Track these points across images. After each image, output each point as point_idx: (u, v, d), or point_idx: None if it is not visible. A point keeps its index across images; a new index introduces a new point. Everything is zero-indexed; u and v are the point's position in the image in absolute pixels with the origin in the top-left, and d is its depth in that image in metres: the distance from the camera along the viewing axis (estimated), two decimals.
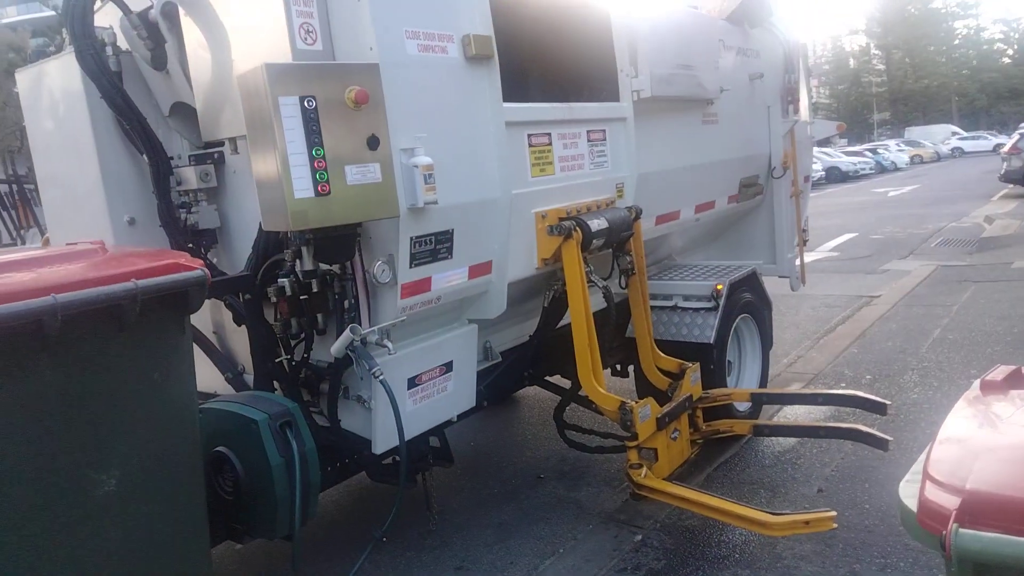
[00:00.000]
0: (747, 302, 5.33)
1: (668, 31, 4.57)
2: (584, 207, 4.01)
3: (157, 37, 3.31)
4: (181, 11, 3.27)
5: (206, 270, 2.30)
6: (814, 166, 31.82)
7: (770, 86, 6.08)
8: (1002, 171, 20.70)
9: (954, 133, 50.82)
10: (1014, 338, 6.79)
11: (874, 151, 40.47)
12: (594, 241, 3.85)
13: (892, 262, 12.01)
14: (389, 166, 2.81)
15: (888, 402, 4.31)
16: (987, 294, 8.72)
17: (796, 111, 6.28)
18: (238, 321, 3.30)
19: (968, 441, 1.68)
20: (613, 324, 4.16)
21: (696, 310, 4.98)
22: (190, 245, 3.38)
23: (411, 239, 3.04)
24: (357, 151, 2.70)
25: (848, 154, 38.62)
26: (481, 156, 3.39)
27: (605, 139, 4.28)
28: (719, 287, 4.95)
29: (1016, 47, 66.77)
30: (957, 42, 67.60)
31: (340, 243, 2.84)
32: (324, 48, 2.96)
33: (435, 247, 3.18)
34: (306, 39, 2.90)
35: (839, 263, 12.35)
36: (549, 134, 3.88)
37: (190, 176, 3.34)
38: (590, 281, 3.91)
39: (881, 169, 37.76)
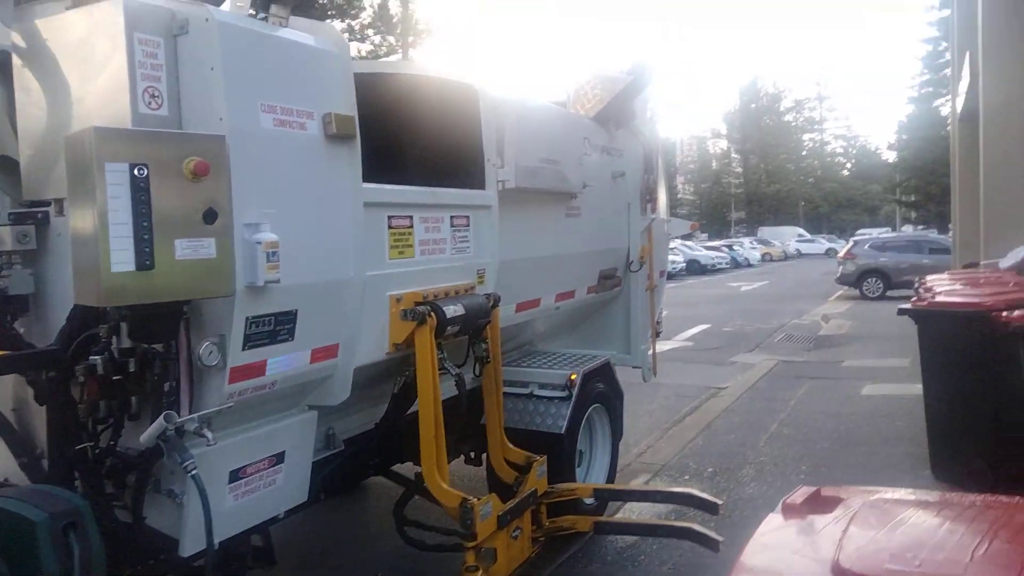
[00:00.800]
0: (600, 392, 5.41)
1: (536, 125, 4.70)
2: (442, 292, 3.95)
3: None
4: (16, 60, 3.01)
5: None
6: (676, 258, 34.20)
7: (631, 184, 6.37)
8: (838, 274, 22.82)
9: (799, 235, 55.74)
10: (840, 435, 7.28)
11: (730, 247, 43.54)
12: (449, 328, 3.78)
13: (740, 355, 12.75)
14: (227, 241, 2.64)
15: (720, 502, 4.44)
16: (820, 391, 9.38)
17: (654, 209, 6.60)
18: (40, 400, 2.94)
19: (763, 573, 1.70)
20: (464, 413, 4.07)
21: (550, 399, 4.99)
22: None
23: (247, 319, 2.85)
24: (191, 224, 2.51)
25: (708, 248, 41.32)
26: (335, 235, 3.28)
27: (468, 225, 4.28)
28: (572, 376, 5.00)
29: (854, 161, 74.86)
30: (804, 153, 74.93)
31: (162, 321, 2.61)
32: (170, 114, 2.78)
33: (274, 328, 2.99)
34: (150, 103, 2.72)
35: (692, 353, 12.98)
36: (411, 217, 3.82)
37: (5, 236, 3.00)
38: (443, 368, 3.83)
39: (736, 264, 40.61)
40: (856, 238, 23.68)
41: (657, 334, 7.02)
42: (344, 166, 3.30)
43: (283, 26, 3.08)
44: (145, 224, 2.38)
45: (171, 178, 2.47)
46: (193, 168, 2.49)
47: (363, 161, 3.40)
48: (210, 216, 2.55)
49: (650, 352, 6.78)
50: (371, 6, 26.07)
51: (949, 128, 33.99)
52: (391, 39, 26.39)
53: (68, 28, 2.87)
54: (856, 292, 21.83)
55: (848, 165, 75.20)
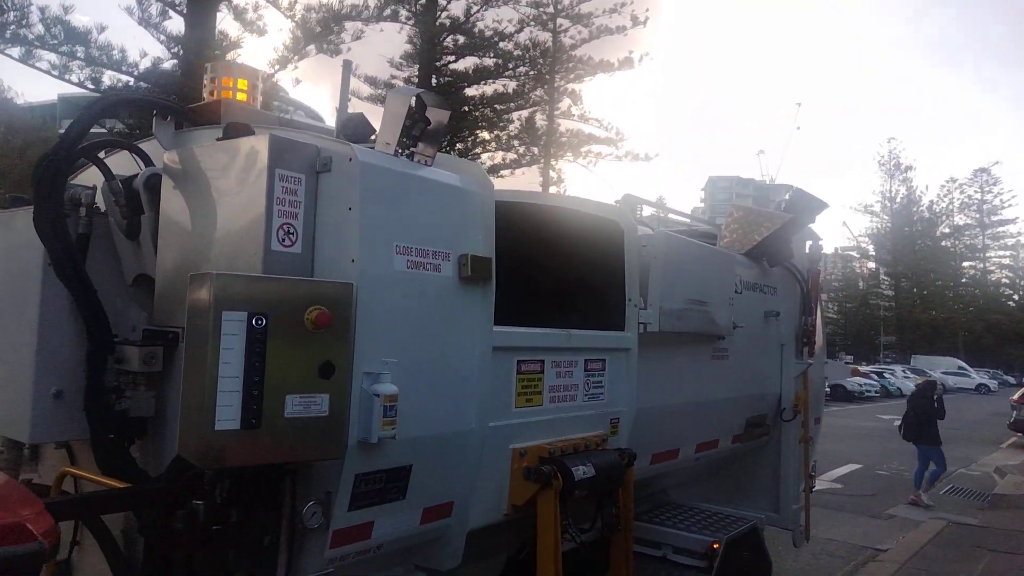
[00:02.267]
0: (745, 562, 4.67)
1: (683, 265, 4.29)
2: (571, 445, 3.51)
3: (136, 207, 3.02)
4: (167, 183, 3.01)
5: (44, 541, 1.78)
6: None
7: (785, 325, 5.75)
8: (1011, 419, 20.13)
9: (959, 367, 50.59)
10: None
11: (880, 374, 40.04)
12: (576, 491, 3.32)
13: (899, 507, 11.19)
14: (342, 398, 2.38)
15: None
16: (1004, 567, 7.88)
17: (811, 353, 5.91)
18: (141, 531, 2.75)
19: None
20: None
21: (685, 567, 4.34)
22: (110, 436, 2.89)
23: (356, 476, 2.54)
24: (305, 379, 2.27)
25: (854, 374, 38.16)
26: (459, 383, 2.96)
27: (604, 369, 3.86)
28: (715, 545, 4.33)
29: (1022, 293, 68.07)
30: (964, 280, 69.18)
31: (264, 484, 2.35)
32: (303, 252, 2.63)
33: (385, 486, 2.67)
34: (284, 240, 2.57)
35: (842, 499, 11.52)
36: (542, 361, 3.47)
37: (132, 356, 2.92)
38: (565, 534, 3.35)
39: (887, 393, 37.14)
40: None
41: (811, 489, 6.14)
42: (476, 309, 3.02)
43: (428, 165, 2.91)
44: (256, 379, 2.16)
45: (290, 327, 2.26)
46: (315, 319, 2.26)
47: (495, 299, 3.12)
48: (327, 370, 2.31)
49: (803, 512, 5.92)
50: (519, 119, 25.81)
51: None
52: (535, 149, 26.03)
53: (216, 158, 2.83)
54: None
55: (1015, 296, 68.45)
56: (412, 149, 2.86)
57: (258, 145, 2.63)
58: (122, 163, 3.31)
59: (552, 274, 4.18)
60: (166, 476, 2.70)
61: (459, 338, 2.95)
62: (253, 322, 2.16)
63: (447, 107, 2.95)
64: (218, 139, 2.90)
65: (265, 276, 2.39)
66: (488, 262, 3.02)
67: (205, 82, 3.44)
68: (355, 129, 2.96)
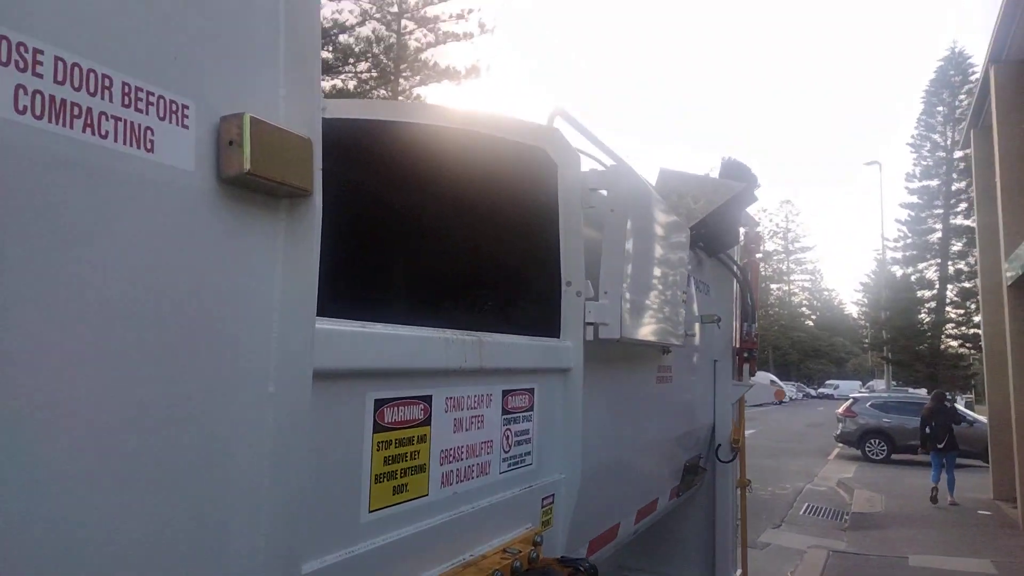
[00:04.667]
0: None
1: (652, 228, 2.60)
2: (482, 569, 1.68)
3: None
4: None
5: None
6: None
7: (722, 335, 4.27)
8: (838, 431, 20.69)
9: (772, 380, 54.07)
10: None
11: None
12: None
13: (768, 531, 10.30)
14: None
15: None
16: None
17: (752, 371, 4.47)
18: None
19: None
20: None
21: None
22: None
23: None
24: None
25: None
26: (208, 456, 1.05)
27: (531, 407, 2.07)
28: None
29: (818, 314, 74.97)
30: (772, 300, 74.99)
31: None
32: None
33: None
34: None
35: None
36: (427, 400, 1.61)
37: None
38: None
39: None
40: (856, 395, 21.70)
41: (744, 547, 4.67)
42: (265, 275, 1.13)
43: None
44: None
45: None
46: None
47: (331, 269, 1.25)
48: None
49: None
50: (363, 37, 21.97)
51: (936, 291, 33.59)
52: (385, 61, 22.29)
53: None
54: (856, 452, 19.67)
55: (813, 317, 75.05)
56: None
57: None
58: None
59: (440, 238, 2.37)
60: None
61: (211, 341, 1.05)
62: None
63: None
64: None
65: None
66: (306, 152, 1.16)
67: None
68: None
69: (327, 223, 1.17)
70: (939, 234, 35.17)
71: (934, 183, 35.85)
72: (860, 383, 51.17)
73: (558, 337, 2.24)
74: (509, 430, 1.93)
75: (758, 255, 4.49)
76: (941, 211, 35.31)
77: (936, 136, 36.28)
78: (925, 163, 36.51)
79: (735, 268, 4.36)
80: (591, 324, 2.24)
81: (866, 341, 48.34)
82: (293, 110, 1.16)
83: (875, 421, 19.91)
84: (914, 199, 36.30)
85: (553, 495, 2.14)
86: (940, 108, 36.46)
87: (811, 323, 74.25)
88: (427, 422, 1.57)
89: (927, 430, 12.76)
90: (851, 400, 21.24)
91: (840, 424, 20.78)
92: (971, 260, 33.74)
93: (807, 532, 10.49)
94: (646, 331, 2.52)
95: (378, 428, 1.41)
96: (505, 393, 1.91)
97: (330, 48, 21.35)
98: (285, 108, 1.16)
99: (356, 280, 2.22)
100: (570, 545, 2.30)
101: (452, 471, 1.66)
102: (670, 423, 3.44)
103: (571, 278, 2.26)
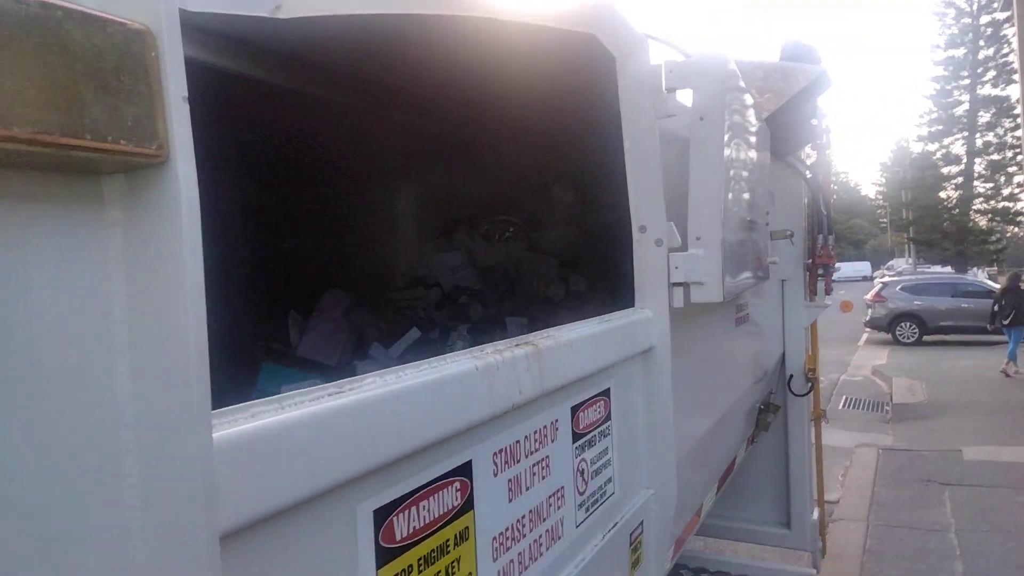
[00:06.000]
0: None
1: (746, 137, 1.88)
2: None
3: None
4: None
5: None
6: None
7: (788, 248, 3.57)
8: (867, 317, 20.11)
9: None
10: None
11: None
12: None
13: None
14: None
15: None
16: (972, 505, 6.52)
17: (827, 289, 3.79)
18: None
19: None
20: None
21: None
22: None
23: None
24: None
25: None
26: None
27: (609, 417, 1.43)
28: None
29: (834, 196, 73.20)
30: None
31: None
32: None
33: None
34: None
35: None
36: (463, 470, 0.98)
37: None
38: None
39: None
40: (885, 279, 20.86)
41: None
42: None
43: None
44: None
45: None
46: None
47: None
48: None
49: (817, 520, 3.91)
50: None
51: (964, 165, 31.36)
52: None
53: None
54: (886, 336, 19.17)
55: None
56: None
57: None
58: None
59: (453, 170, 1.68)
60: None
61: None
62: None
63: None
64: None
65: None
66: (143, 65, 0.47)
67: None
68: None
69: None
70: (966, 106, 33.07)
71: (960, 52, 33.40)
72: (868, 264, 48.69)
73: (632, 306, 1.57)
74: (583, 461, 1.30)
75: (828, 151, 3.72)
76: (968, 81, 33.06)
77: (960, 1, 33.56)
78: (950, 31, 33.94)
79: (803, 171, 3.61)
80: (679, 285, 1.56)
81: (884, 221, 47.17)
82: None
83: (905, 304, 19.28)
84: (940, 71, 33.97)
85: (642, 522, 1.54)
86: None
87: None
88: (468, 505, 0.94)
89: (996, 308, 13.42)
90: (879, 285, 20.51)
91: (869, 309, 20.17)
92: (1000, 131, 31.90)
93: (850, 428, 10.09)
94: (744, 277, 1.84)
95: (384, 555, 0.78)
96: (574, 411, 1.27)
97: None
98: None
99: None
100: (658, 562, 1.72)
101: (512, 561, 1.04)
102: (749, 367, 2.81)
103: (645, 221, 1.56)
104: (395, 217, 3.13)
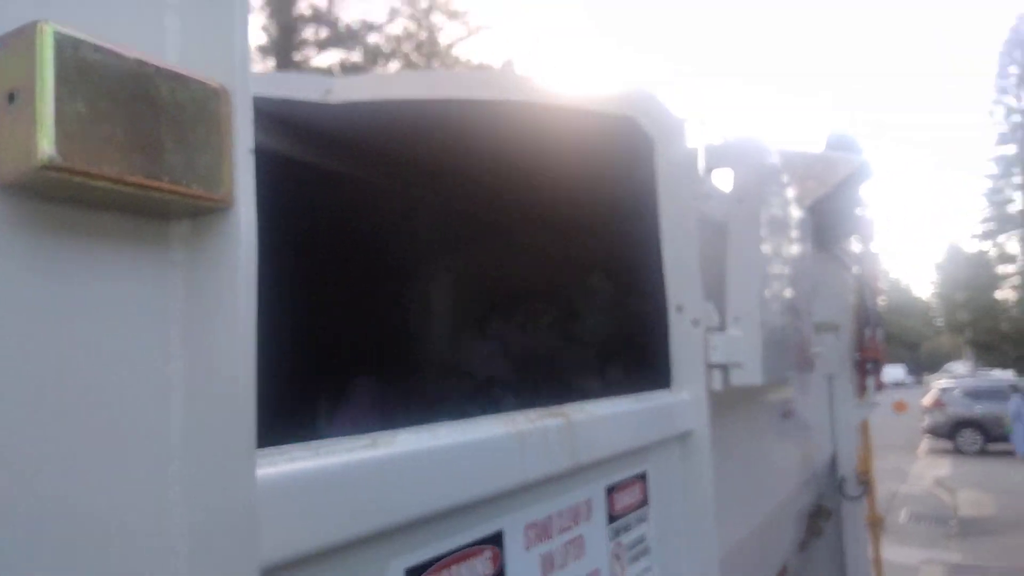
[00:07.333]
0: None
1: (788, 224, 1.92)
2: None
3: None
4: None
5: None
6: None
7: (834, 343, 3.53)
8: (926, 423, 19.35)
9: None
10: None
11: None
12: None
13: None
14: None
15: None
16: None
17: (878, 385, 3.71)
18: None
19: None
20: None
21: None
22: None
23: None
24: None
25: None
26: None
27: (647, 501, 1.42)
28: None
29: (886, 298, 72.54)
30: None
31: None
32: None
33: None
34: None
35: None
36: (495, 540, 0.98)
37: None
38: None
39: None
40: (943, 385, 20.16)
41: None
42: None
43: None
44: None
45: None
46: None
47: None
48: None
49: None
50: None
51: (1020, 264, 30.80)
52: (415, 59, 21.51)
53: None
54: (947, 444, 18.38)
55: (880, 301, 72.31)
56: None
57: None
58: None
59: (494, 250, 1.74)
60: None
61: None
62: None
63: None
64: None
65: None
66: (217, 118, 0.54)
67: None
68: None
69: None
70: (1019, 204, 32.95)
71: (1011, 149, 33.61)
72: (903, 368, 46.75)
73: (668, 387, 1.58)
74: (619, 544, 1.28)
75: (873, 243, 3.74)
76: (1020, 179, 33.06)
77: (1010, 98, 34.06)
78: (1000, 129, 34.32)
79: (849, 262, 3.62)
80: (718, 367, 1.57)
81: (938, 321, 46.06)
82: (194, 47, 0.56)
83: (966, 411, 18.53)
84: (992, 168, 34.14)
85: None
86: (1013, 68, 34.23)
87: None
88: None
89: None
90: (938, 391, 19.79)
91: (928, 416, 19.41)
92: None
93: (913, 544, 9.56)
94: (786, 363, 1.84)
95: None
96: (609, 491, 1.26)
97: (359, 49, 21.13)
98: (181, 42, 0.55)
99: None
100: None
101: None
102: (796, 465, 2.74)
103: (683, 300, 1.59)
104: (429, 302, 3.20)
